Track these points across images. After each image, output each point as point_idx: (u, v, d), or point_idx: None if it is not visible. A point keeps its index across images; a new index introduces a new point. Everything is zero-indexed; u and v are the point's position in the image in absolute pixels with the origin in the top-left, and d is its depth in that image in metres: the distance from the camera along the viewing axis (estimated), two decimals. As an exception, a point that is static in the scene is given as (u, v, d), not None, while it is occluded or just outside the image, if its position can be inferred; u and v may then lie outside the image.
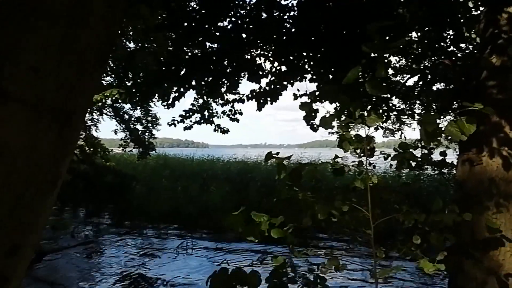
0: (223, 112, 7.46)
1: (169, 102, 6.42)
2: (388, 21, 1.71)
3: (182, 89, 6.11)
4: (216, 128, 7.99)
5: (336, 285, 6.36)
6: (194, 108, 7.41)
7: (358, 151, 2.21)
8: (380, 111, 5.67)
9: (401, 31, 4.15)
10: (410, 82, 6.44)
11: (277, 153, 2.04)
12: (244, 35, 5.15)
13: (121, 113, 15.52)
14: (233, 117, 7.46)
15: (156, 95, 7.44)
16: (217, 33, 5.15)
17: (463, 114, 1.80)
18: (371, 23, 1.69)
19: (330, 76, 5.44)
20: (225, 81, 6.01)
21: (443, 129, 1.91)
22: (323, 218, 2.03)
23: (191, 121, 7.44)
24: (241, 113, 7.49)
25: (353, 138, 2.01)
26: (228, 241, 9.45)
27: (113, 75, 9.44)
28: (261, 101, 5.99)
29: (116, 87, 7.63)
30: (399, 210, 2.28)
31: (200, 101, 7.44)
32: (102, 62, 1.12)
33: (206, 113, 7.56)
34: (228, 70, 5.58)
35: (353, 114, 1.89)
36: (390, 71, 5.72)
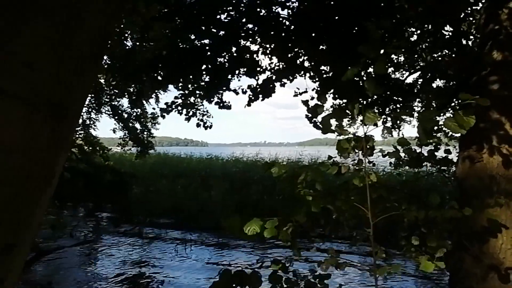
0: (210, 102, 7.33)
1: (157, 90, 6.38)
2: (386, 20, 1.71)
3: (174, 78, 6.06)
4: (199, 123, 7.83)
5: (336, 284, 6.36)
6: (177, 102, 7.25)
7: (360, 152, 2.20)
8: (379, 109, 5.66)
9: (401, 28, 4.14)
10: (409, 79, 6.44)
11: (273, 163, 2.03)
12: (242, 30, 5.13)
13: (119, 111, 15.49)
14: (222, 105, 7.33)
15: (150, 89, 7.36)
16: (214, 28, 5.13)
17: (460, 108, 1.78)
18: (370, 21, 1.68)
19: (330, 73, 5.43)
20: (222, 81, 5.98)
21: (441, 126, 1.90)
22: (317, 210, 2.02)
23: (166, 112, 7.29)
24: (229, 107, 7.38)
25: (351, 138, 2.00)
26: (228, 239, 9.45)
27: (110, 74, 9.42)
28: (252, 97, 5.94)
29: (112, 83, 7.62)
30: (399, 208, 2.27)
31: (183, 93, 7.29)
32: (98, 57, 1.11)
33: (190, 109, 7.44)
34: (224, 66, 5.55)
35: (352, 112, 1.88)
36: (390, 69, 5.72)
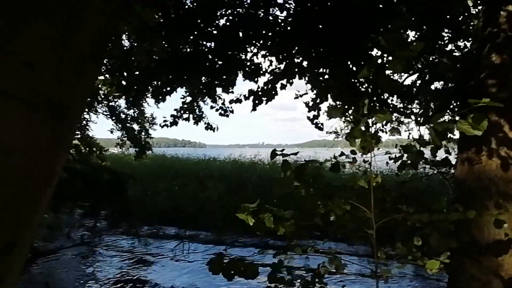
0: (212, 107, 7.42)
1: (160, 97, 6.42)
2: (403, 22, 1.71)
3: (174, 84, 6.08)
4: (207, 126, 7.99)
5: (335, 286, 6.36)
6: (185, 106, 7.36)
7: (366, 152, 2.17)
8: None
9: (405, 29, 4.14)
10: (408, 81, 6.45)
11: (282, 150, 2.02)
12: (240, 33, 5.12)
13: (117, 112, 15.43)
14: (222, 112, 7.42)
15: (149, 93, 7.43)
16: (213, 31, 5.13)
17: (470, 111, 1.78)
18: (395, 19, 1.68)
19: (327, 76, 5.42)
20: (221, 81, 5.97)
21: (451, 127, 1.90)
22: (340, 214, 2.00)
23: (178, 119, 7.40)
24: (232, 111, 7.46)
25: (363, 133, 1.97)
26: (226, 240, 9.45)
27: (107, 75, 9.41)
28: (256, 101, 5.96)
29: (111, 84, 7.62)
30: (400, 209, 2.26)
31: (189, 98, 7.38)
32: (98, 57, 1.10)
33: (196, 112, 7.52)
34: (224, 68, 5.54)
35: (361, 109, 1.87)
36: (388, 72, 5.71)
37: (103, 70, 8.49)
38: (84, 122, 15.33)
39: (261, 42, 5.31)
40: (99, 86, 7.82)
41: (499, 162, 2.77)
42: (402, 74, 5.46)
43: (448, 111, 4.51)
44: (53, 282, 6.95)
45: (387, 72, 1.81)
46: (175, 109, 7.31)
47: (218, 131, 8.25)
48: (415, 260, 2.06)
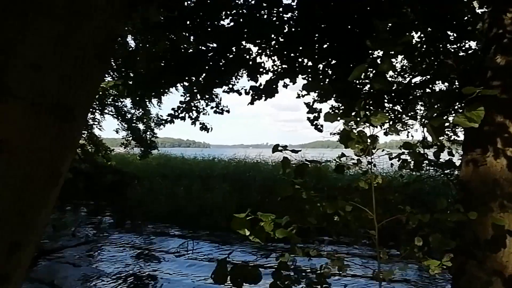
0: (207, 105, 7.44)
1: (161, 96, 6.45)
2: (395, 19, 1.70)
3: (178, 85, 6.11)
4: (202, 127, 7.99)
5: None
6: (183, 106, 7.37)
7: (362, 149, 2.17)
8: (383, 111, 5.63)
9: (406, 30, 4.13)
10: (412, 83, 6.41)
11: (285, 146, 2.01)
12: (243, 33, 5.12)
13: (123, 112, 15.50)
14: (218, 110, 7.44)
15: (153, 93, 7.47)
16: (217, 32, 5.13)
17: (467, 104, 1.76)
18: (378, 20, 1.67)
19: (329, 77, 5.41)
20: (222, 80, 5.97)
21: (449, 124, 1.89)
22: (331, 212, 1.99)
23: (175, 118, 7.42)
24: (228, 111, 7.49)
25: (357, 135, 1.97)
26: (230, 241, 9.44)
27: (113, 74, 9.45)
28: (256, 96, 5.94)
29: (115, 85, 7.68)
30: (402, 210, 2.26)
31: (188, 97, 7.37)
32: (104, 58, 1.11)
33: (193, 112, 7.54)
34: (227, 69, 5.54)
35: (358, 112, 1.86)
36: (391, 73, 5.68)
37: (109, 71, 8.53)
38: (91, 122, 15.42)
39: (265, 42, 5.31)
40: (106, 87, 7.88)
41: (504, 164, 2.75)
42: (406, 75, 5.44)
43: (452, 112, 4.49)
44: (59, 280, 6.99)
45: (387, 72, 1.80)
46: (172, 108, 7.34)
47: (212, 131, 8.20)
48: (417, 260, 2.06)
